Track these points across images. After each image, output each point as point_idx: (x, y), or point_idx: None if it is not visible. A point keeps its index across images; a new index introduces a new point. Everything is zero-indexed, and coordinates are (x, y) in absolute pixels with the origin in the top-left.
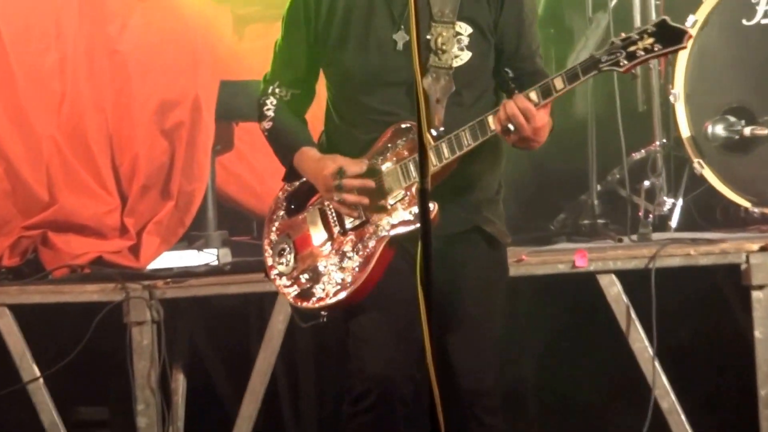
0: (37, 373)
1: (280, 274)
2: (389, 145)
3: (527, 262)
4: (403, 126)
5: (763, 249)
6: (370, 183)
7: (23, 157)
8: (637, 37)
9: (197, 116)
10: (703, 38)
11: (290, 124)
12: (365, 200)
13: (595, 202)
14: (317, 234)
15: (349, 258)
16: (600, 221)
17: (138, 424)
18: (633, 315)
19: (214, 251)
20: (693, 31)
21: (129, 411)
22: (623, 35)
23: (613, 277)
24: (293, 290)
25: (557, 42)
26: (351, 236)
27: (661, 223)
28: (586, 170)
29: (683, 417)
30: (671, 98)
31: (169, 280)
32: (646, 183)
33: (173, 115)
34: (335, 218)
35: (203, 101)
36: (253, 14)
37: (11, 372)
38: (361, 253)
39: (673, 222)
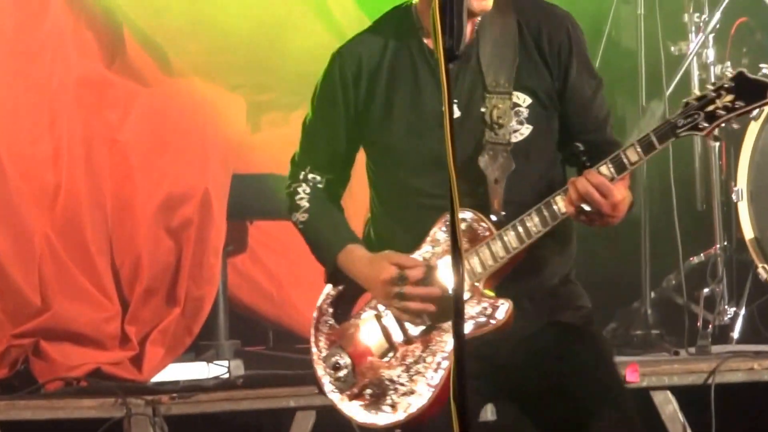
0: None
1: (339, 390)
2: (445, 236)
3: None
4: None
5: None
6: (436, 291)
7: (12, 257)
8: (713, 94)
9: (207, 213)
10: None
11: (330, 217)
12: (431, 308)
13: (649, 310)
14: (376, 343)
15: (418, 368)
16: (654, 332)
17: None
18: None
19: (225, 363)
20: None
21: None
22: (697, 93)
23: (669, 393)
24: (356, 408)
25: None
26: (417, 344)
27: (722, 335)
28: (639, 275)
29: None
30: (734, 197)
31: (174, 394)
32: (706, 290)
33: (180, 212)
34: (396, 325)
35: (213, 197)
36: (269, 102)
37: None
38: (430, 360)
39: (735, 333)
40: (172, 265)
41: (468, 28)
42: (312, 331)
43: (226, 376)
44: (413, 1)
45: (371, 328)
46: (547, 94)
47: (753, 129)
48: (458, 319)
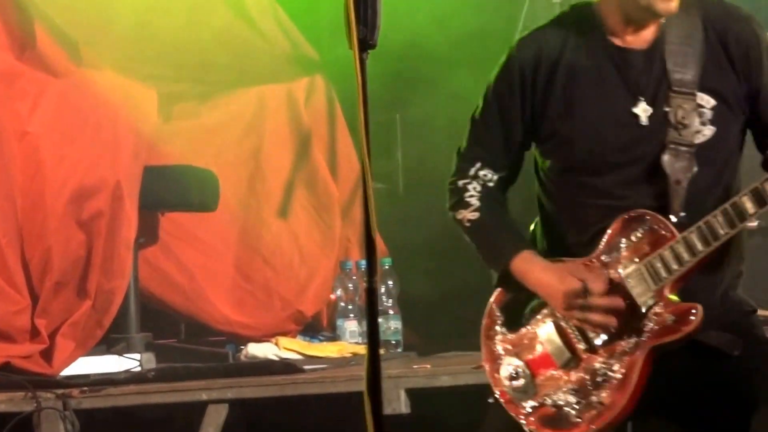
0: None
1: (517, 401)
2: (623, 238)
3: None
4: (633, 215)
5: None
6: (620, 303)
7: None
8: None
9: (118, 206)
10: None
11: (503, 219)
12: (614, 321)
13: None
14: (557, 353)
15: (603, 378)
16: None
17: None
18: None
19: (137, 356)
20: None
21: None
22: None
23: None
24: (536, 419)
25: None
26: (601, 353)
27: None
28: None
29: None
30: None
31: (85, 388)
32: None
33: (91, 204)
34: (577, 335)
35: (125, 189)
36: (182, 92)
37: None
38: (616, 368)
39: None
40: (83, 258)
41: (651, 29)
42: (482, 339)
43: (138, 369)
44: (595, 0)
45: (551, 337)
46: (734, 96)
47: None
48: (372, 308)
